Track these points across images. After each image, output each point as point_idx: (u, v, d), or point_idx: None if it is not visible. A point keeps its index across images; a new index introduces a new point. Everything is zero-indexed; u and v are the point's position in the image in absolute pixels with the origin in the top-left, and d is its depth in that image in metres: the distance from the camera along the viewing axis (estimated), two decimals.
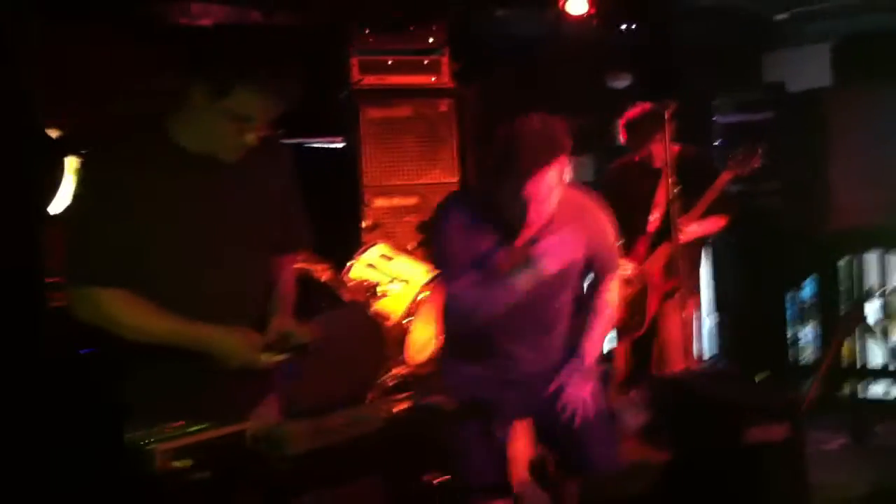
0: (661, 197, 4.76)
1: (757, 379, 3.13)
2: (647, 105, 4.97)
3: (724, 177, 4.65)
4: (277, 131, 2.43)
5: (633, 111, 5.05)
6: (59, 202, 2.21)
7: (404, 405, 2.54)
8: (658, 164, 4.83)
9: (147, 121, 2.38)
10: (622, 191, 5.06)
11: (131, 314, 2.30)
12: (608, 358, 6.41)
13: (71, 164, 2.26)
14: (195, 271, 2.37)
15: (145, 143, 2.33)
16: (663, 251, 4.61)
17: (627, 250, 4.93)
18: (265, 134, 2.36)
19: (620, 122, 5.18)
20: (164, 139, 2.34)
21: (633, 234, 4.77)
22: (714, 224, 4.80)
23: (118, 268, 2.28)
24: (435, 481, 2.41)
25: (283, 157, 2.58)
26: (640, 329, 4.93)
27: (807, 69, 6.18)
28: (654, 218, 4.80)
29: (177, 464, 1.95)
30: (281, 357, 2.45)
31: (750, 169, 4.66)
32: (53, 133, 2.35)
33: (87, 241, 2.29)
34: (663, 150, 4.68)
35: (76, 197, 2.36)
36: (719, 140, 6.04)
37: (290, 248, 2.68)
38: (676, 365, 4.60)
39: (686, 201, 4.58)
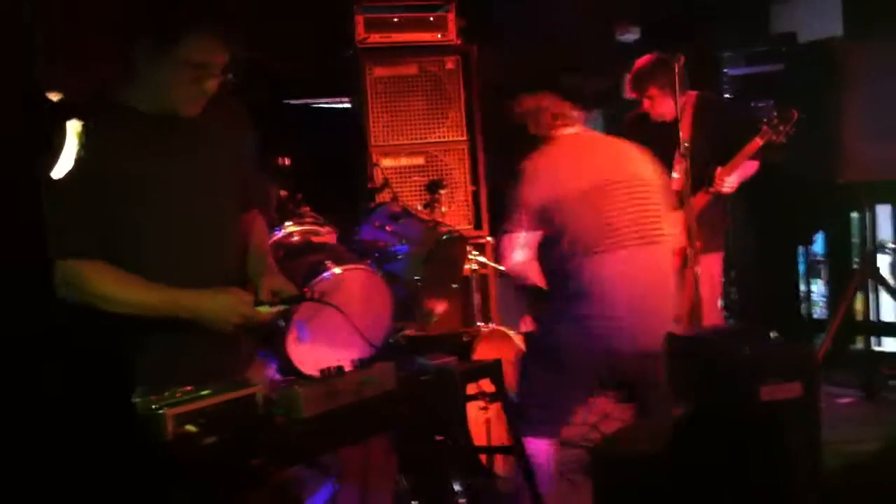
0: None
1: (770, 336, 3.09)
2: (653, 56, 4.91)
3: (757, 142, 4.56)
4: (229, 78, 2.38)
5: (640, 62, 5.00)
6: (62, 167, 2.18)
7: (414, 367, 2.53)
8: (670, 116, 4.78)
9: (102, 89, 2.35)
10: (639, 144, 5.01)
11: (115, 286, 2.26)
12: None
13: (74, 127, 2.22)
14: (170, 233, 2.34)
15: (103, 110, 2.30)
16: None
17: None
18: (221, 81, 2.33)
19: (628, 75, 5.12)
20: (119, 103, 2.31)
21: None
22: (750, 167, 4.73)
23: (93, 238, 2.25)
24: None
25: (238, 110, 2.56)
26: None
27: (818, 19, 6.09)
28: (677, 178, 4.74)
29: (189, 427, 1.95)
30: (276, 309, 2.43)
31: (785, 134, 4.56)
32: (54, 96, 2.31)
33: (58, 214, 2.21)
34: (674, 103, 4.63)
35: None
36: (729, 92, 5.98)
37: (253, 203, 2.66)
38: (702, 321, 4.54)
39: (709, 147, 4.54)
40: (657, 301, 3.51)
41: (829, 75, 4.93)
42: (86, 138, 2.25)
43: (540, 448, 3.53)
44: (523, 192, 3.58)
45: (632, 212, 3.50)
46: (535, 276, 3.64)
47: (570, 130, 3.68)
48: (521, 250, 3.60)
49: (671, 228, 3.64)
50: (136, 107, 2.31)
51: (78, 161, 2.24)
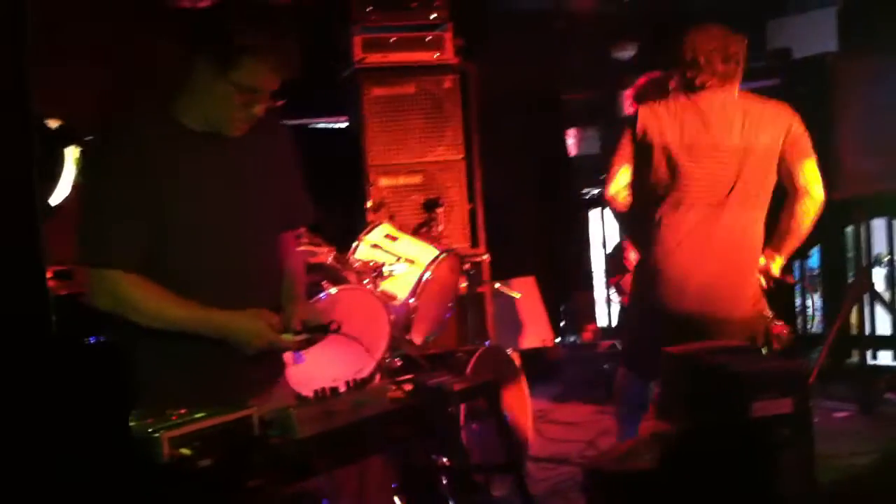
0: None
1: (764, 351, 3.13)
2: (655, 73, 4.96)
3: None
4: (278, 104, 2.43)
5: (641, 80, 5.05)
6: (61, 193, 2.22)
7: (410, 387, 2.55)
8: None
9: (152, 103, 2.40)
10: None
11: (151, 300, 2.31)
12: (620, 332, 6.46)
13: (73, 153, 2.26)
14: (209, 251, 2.39)
15: (154, 126, 2.36)
16: None
17: None
18: (269, 106, 2.38)
19: (628, 93, 5.16)
20: (170, 120, 2.37)
21: None
22: None
23: (134, 251, 2.30)
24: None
25: (282, 131, 2.62)
26: None
27: (813, 35, 6.12)
28: None
29: (184, 450, 1.97)
30: (300, 338, 2.47)
31: None
32: (53, 123, 2.35)
33: (105, 224, 2.30)
34: None
35: (90, 181, 2.38)
36: None
37: (294, 223, 2.71)
38: None
39: None
40: (723, 264, 3.56)
41: (823, 91, 4.96)
42: (133, 147, 2.31)
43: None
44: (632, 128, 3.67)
45: (708, 174, 3.54)
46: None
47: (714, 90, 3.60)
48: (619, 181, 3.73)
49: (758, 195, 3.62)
50: (183, 122, 2.37)
51: (123, 170, 2.29)
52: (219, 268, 2.41)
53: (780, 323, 3.77)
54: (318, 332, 2.51)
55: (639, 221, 3.75)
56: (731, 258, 3.58)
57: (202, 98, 2.34)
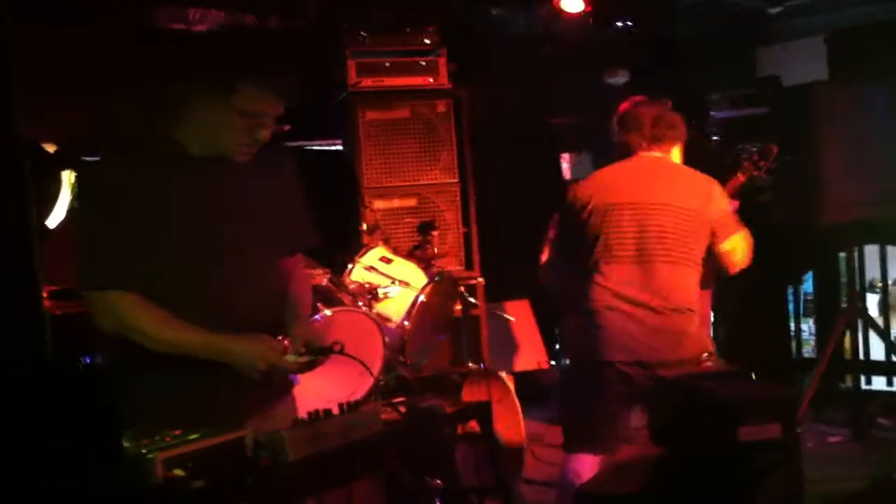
0: None
1: (754, 376, 3.14)
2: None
3: (738, 179, 4.60)
4: (284, 129, 2.45)
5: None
6: (57, 215, 2.23)
7: (403, 409, 2.56)
8: None
9: (151, 127, 2.40)
10: None
11: (152, 322, 2.31)
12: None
13: (69, 177, 2.27)
14: (210, 275, 2.39)
15: (153, 149, 2.36)
16: None
17: None
18: (274, 130, 2.39)
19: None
20: (170, 143, 2.37)
21: None
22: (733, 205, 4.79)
23: (134, 272, 2.29)
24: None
25: (286, 155, 2.62)
26: None
27: (801, 63, 6.19)
28: None
29: (178, 472, 1.98)
30: (303, 360, 2.47)
31: (766, 169, 4.61)
32: (49, 147, 2.37)
33: (102, 247, 2.30)
34: None
35: (87, 204, 2.38)
36: (715, 135, 6.05)
37: (297, 247, 2.71)
38: None
39: None
40: (654, 315, 3.58)
41: (812, 118, 5.01)
42: (131, 170, 2.32)
43: (582, 466, 3.63)
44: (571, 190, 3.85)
45: (633, 232, 3.61)
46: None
47: (653, 154, 3.82)
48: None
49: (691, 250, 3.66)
50: (185, 146, 2.37)
51: (121, 193, 2.29)
52: (219, 291, 2.40)
53: (713, 359, 3.81)
54: (321, 353, 2.52)
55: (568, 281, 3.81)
56: (667, 306, 3.60)
57: (204, 124, 2.34)
